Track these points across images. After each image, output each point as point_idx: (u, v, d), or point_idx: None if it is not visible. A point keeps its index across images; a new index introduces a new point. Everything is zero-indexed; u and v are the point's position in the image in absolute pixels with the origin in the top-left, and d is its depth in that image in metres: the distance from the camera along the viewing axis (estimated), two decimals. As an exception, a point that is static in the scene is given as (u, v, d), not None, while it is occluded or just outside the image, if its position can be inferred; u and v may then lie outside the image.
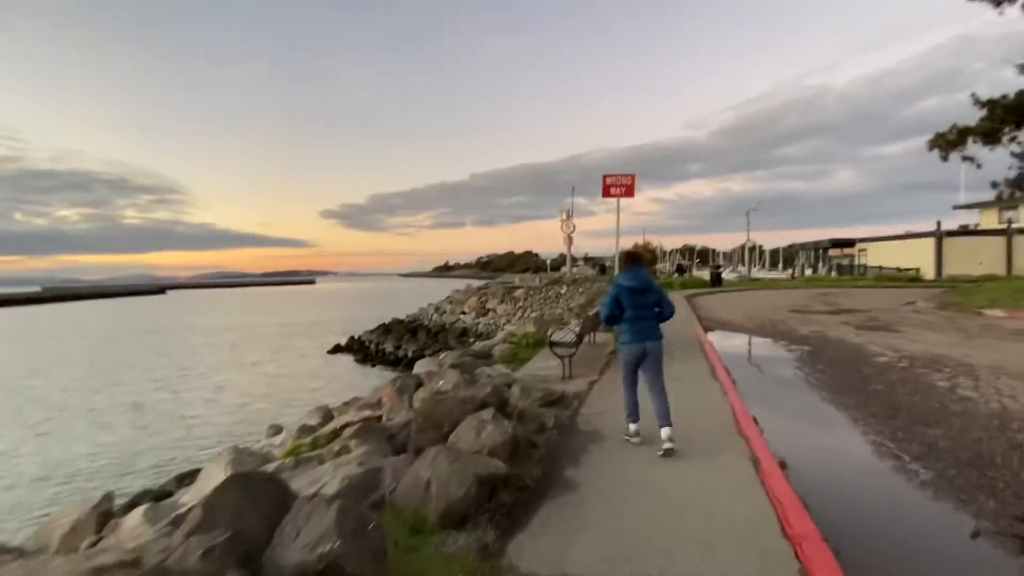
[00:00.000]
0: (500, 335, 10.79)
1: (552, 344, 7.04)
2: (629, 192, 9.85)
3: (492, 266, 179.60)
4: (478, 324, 29.37)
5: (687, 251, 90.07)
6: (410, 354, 26.30)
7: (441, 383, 5.31)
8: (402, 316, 35.42)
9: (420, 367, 9.16)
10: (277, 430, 8.21)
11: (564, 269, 41.02)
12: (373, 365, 25.84)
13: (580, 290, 27.61)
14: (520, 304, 29.23)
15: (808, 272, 53.43)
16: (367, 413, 6.18)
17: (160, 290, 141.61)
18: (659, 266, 47.35)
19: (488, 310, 30.67)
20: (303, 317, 47.72)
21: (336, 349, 29.23)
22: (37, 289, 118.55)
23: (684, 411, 5.08)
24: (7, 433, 12.95)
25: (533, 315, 25.76)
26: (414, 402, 4.83)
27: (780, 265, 63.17)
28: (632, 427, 4.55)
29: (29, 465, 10.63)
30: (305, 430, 7.86)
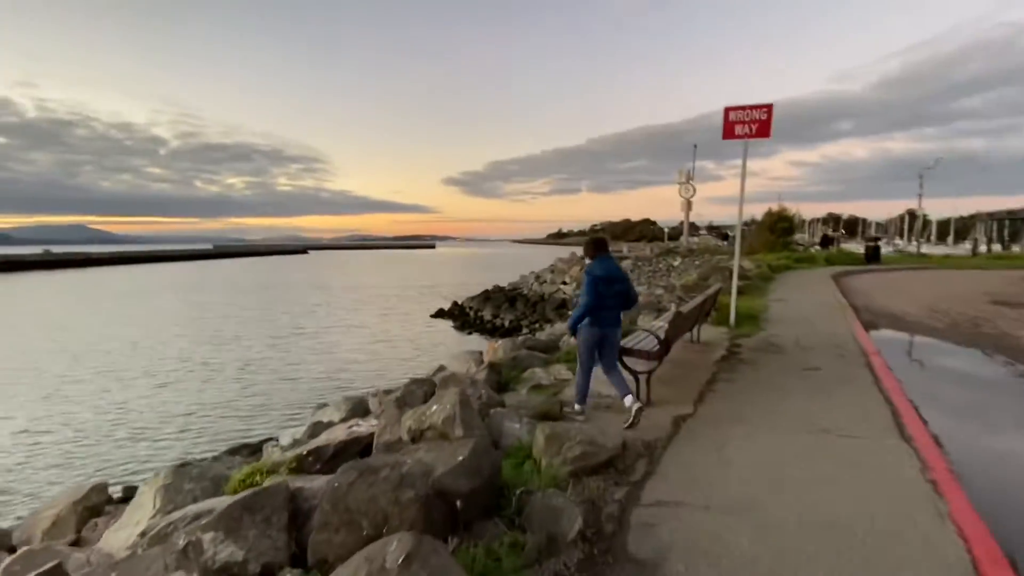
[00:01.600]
0: None
1: (623, 354, 4.68)
2: (763, 131, 7.09)
3: (605, 233, 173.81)
4: (578, 296, 27.51)
5: (832, 221, 79.35)
6: (507, 324, 25.50)
7: (425, 412, 3.44)
8: (504, 284, 34.67)
9: (489, 349, 7.71)
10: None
11: (682, 239, 37.24)
12: (469, 333, 25.35)
13: (696, 263, 24.41)
14: (627, 276, 26.76)
15: (996, 248, 43.12)
16: (363, 430, 4.82)
17: (303, 250, 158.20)
18: (798, 236, 41.01)
19: (591, 281, 28.62)
20: (416, 280, 49.32)
21: (439, 314, 29.31)
22: (209, 247, 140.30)
23: (846, 526, 2.80)
24: (135, 382, 14.17)
25: (642, 288, 23.36)
26: (404, 423, 3.27)
27: (950, 238, 52.15)
28: (578, 407, 4.51)
29: (145, 416, 11.36)
30: (296, 444, 6.77)
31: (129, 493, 5.43)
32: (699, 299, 6.65)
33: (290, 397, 12.54)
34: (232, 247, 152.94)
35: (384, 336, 21.65)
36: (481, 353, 7.72)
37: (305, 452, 3.92)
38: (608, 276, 4.28)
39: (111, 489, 5.44)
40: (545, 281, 31.55)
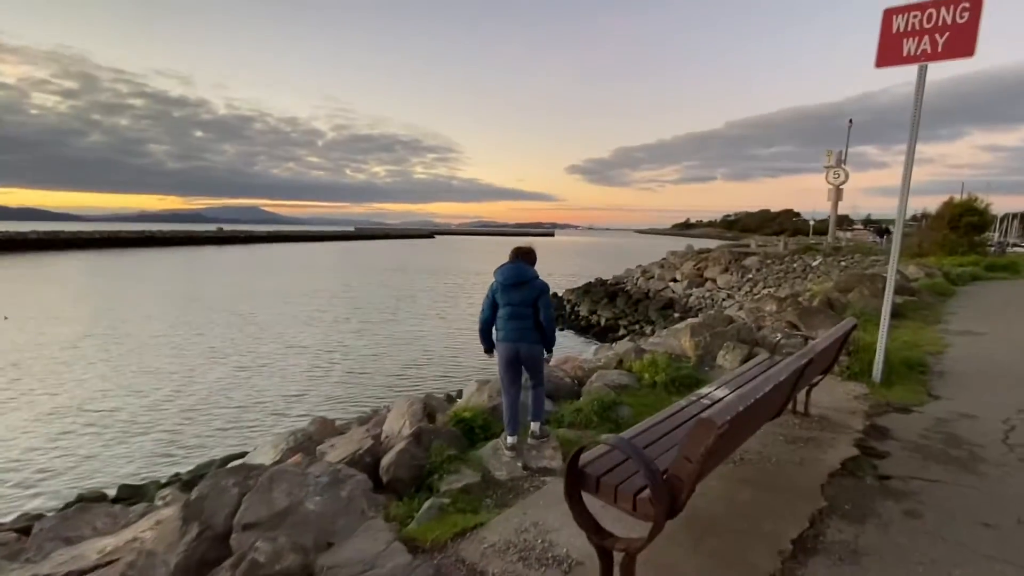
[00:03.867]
0: (623, 347, 5.98)
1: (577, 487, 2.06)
2: (961, 44, 3.73)
3: (739, 225, 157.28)
4: (689, 295, 23.86)
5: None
6: (602, 322, 23.03)
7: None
8: (608, 276, 31.85)
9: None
10: (286, 437, 5.75)
11: (828, 234, 30.92)
12: (562, 329, 23.07)
13: (842, 263, 19.41)
14: (750, 276, 22.44)
15: None
16: (370, 443, 3.30)
17: (430, 234, 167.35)
18: (991, 235, 31.89)
19: (706, 279, 24.68)
20: (527, 268, 48.18)
21: None
22: (351, 229, 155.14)
23: None
24: (240, 360, 14.47)
25: (764, 293, 19.15)
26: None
27: None
28: (509, 439, 3.74)
29: (238, 395, 11.57)
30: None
31: None
32: (798, 358, 2.85)
33: (353, 392, 11.72)
34: (369, 230, 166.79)
35: (461, 329, 20.21)
36: (453, 396, 5.50)
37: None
38: (505, 283, 3.78)
39: None
40: (652, 276, 28.08)
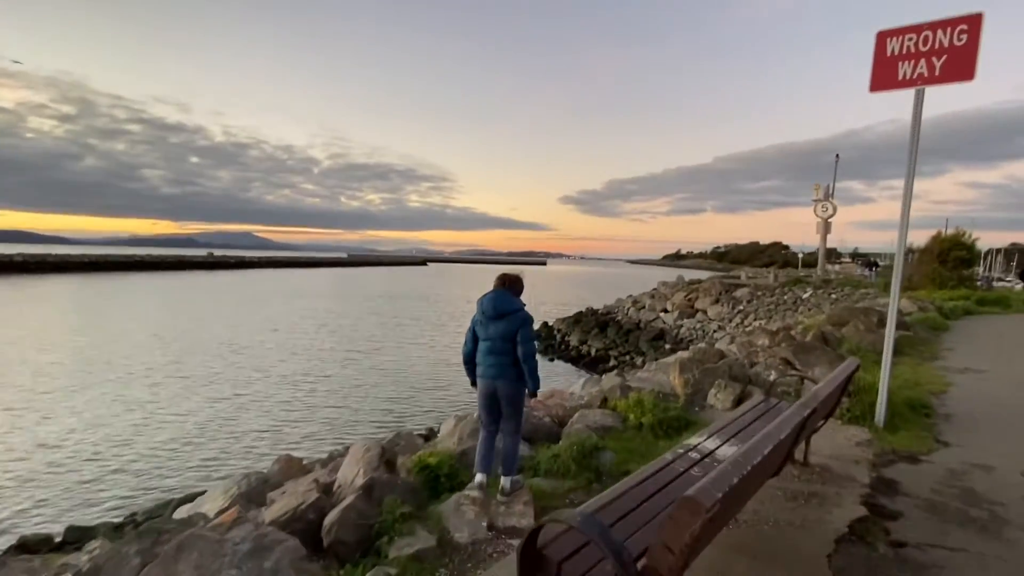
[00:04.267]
0: (607, 384, 5.52)
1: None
2: (960, 68, 3.53)
3: (729, 257, 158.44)
4: (680, 327, 23.58)
5: (1019, 252, 64.38)
6: (593, 352, 22.62)
7: None
8: (599, 306, 31.58)
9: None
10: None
11: (818, 267, 30.97)
12: (552, 359, 22.68)
13: (833, 295, 19.25)
14: (740, 308, 22.24)
15: None
16: (315, 497, 2.83)
17: (423, 262, 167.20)
18: (980, 271, 32.09)
19: (696, 310, 24.46)
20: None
21: None
22: (344, 255, 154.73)
23: None
24: (219, 390, 13.87)
25: (755, 325, 18.89)
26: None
27: None
28: (478, 477, 3.55)
29: (212, 427, 10.95)
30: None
31: None
32: (800, 409, 2.41)
33: (315, 429, 10.99)
34: (362, 257, 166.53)
35: (448, 360, 19.64)
36: (434, 431, 5.00)
37: None
38: (484, 315, 3.61)
39: None
40: (643, 307, 27.84)
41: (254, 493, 4.80)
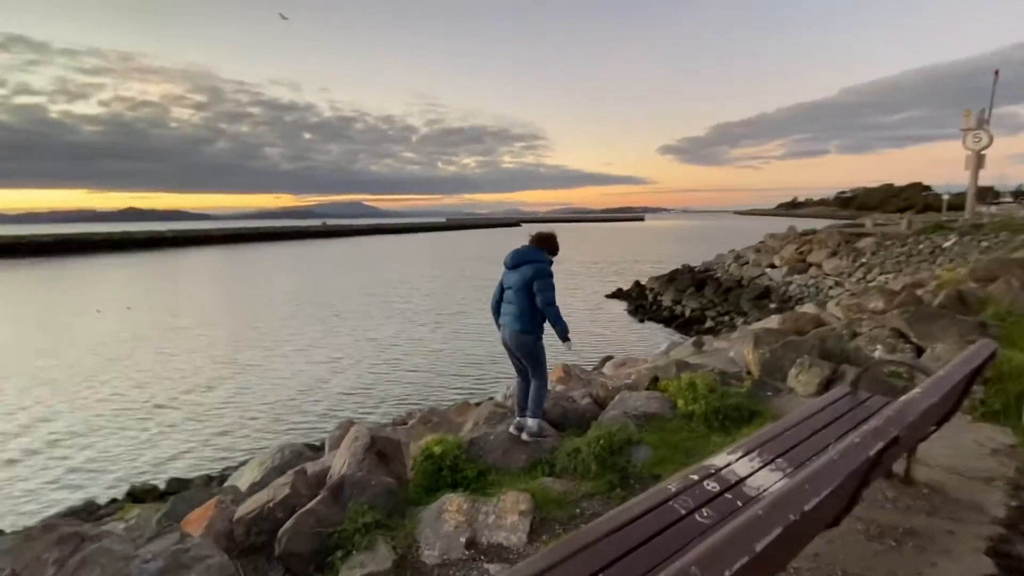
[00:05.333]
0: (658, 359, 4.62)
1: None
2: None
3: (856, 203, 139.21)
4: (789, 283, 21.14)
5: None
6: (687, 312, 21.11)
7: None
8: (695, 263, 29.43)
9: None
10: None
11: (966, 209, 25.97)
12: (642, 320, 21.74)
13: (983, 243, 15.87)
14: (863, 261, 19.30)
15: None
16: (286, 492, 2.68)
17: (517, 223, 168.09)
18: None
19: (809, 264, 21.73)
20: (610, 255, 46.47)
21: (616, 294, 26.33)
22: (443, 220, 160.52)
23: None
24: (308, 355, 14.84)
25: (879, 280, 16.24)
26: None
27: None
28: (518, 420, 3.84)
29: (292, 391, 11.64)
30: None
31: None
32: (874, 437, 1.49)
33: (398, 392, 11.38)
34: (459, 221, 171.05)
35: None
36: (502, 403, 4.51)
37: None
38: (505, 265, 3.78)
39: None
40: (747, 262, 25.40)
41: (287, 467, 4.76)
